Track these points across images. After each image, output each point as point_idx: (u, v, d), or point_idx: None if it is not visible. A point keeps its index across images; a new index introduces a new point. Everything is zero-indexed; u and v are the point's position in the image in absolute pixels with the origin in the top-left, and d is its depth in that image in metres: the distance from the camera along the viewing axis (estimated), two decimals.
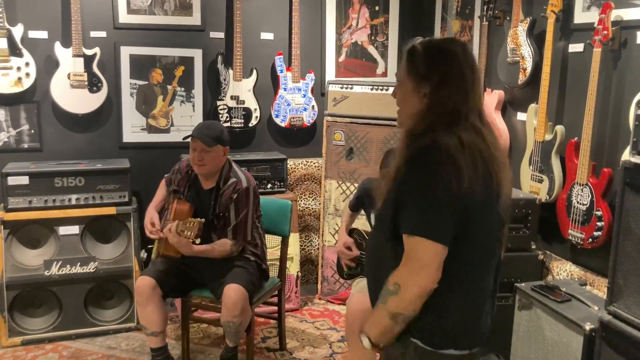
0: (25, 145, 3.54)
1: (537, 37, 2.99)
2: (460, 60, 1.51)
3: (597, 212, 2.51)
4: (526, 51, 2.99)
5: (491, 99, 3.30)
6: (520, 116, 3.19)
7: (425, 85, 1.51)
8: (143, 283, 2.73)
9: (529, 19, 2.99)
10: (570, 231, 2.68)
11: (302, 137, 4.09)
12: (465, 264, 1.49)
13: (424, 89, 1.51)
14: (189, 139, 2.80)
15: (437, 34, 4.03)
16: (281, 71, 3.87)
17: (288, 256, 3.32)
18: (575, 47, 2.79)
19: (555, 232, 2.82)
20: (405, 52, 1.58)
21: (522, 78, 3.03)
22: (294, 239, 3.63)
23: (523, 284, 2.57)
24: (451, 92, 1.49)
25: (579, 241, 2.62)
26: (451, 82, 1.50)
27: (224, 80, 3.76)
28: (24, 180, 3.18)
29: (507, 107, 3.32)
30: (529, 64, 2.98)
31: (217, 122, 3.26)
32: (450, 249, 1.44)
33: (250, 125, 3.84)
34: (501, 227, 1.57)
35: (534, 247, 2.91)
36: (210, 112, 3.80)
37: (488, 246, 1.53)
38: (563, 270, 2.83)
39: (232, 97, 3.78)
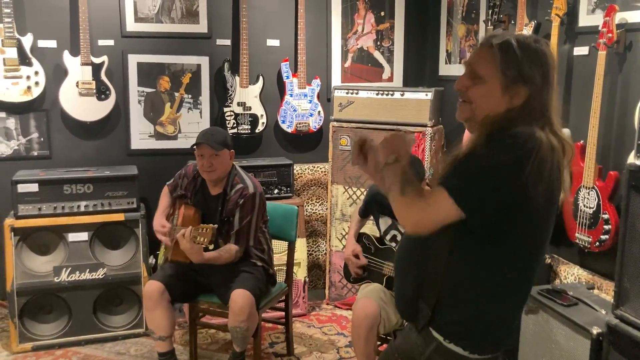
0: (35, 153, 3.59)
1: None
2: (554, 63, 1.49)
3: (604, 216, 2.50)
4: None
5: None
6: None
7: (523, 85, 1.44)
8: (151, 287, 2.75)
9: (533, 22, 2.99)
10: (577, 235, 2.67)
11: (309, 143, 4.10)
12: (513, 269, 1.48)
13: (520, 89, 1.44)
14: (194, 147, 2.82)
15: (443, 38, 4.04)
16: (287, 77, 3.89)
17: (295, 261, 3.33)
18: (580, 50, 2.79)
19: (562, 236, 2.81)
20: (496, 46, 1.47)
21: None
22: (300, 244, 3.64)
23: None
24: (549, 95, 1.46)
25: (586, 245, 2.61)
26: (549, 85, 1.46)
27: (231, 87, 3.78)
28: (34, 187, 3.22)
29: None
30: None
31: (219, 127, 3.29)
32: (502, 254, 1.42)
33: (256, 131, 3.86)
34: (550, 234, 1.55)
35: None
36: (217, 118, 3.83)
37: (538, 253, 1.52)
38: (570, 274, 2.82)
39: (238, 104, 3.80)
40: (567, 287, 2.55)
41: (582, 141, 2.65)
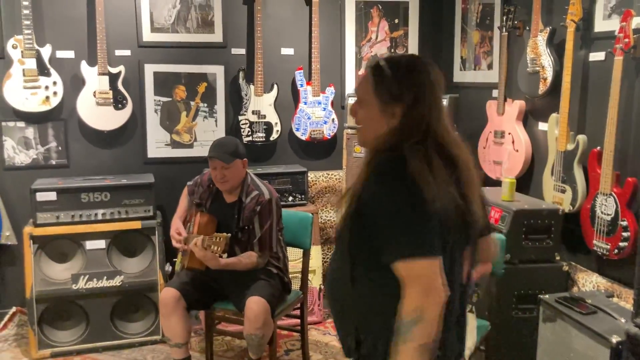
0: (53, 162, 3.64)
1: (557, 46, 2.97)
2: (430, 77, 1.48)
3: (622, 223, 2.48)
4: (546, 61, 2.98)
5: (512, 110, 3.28)
6: (542, 126, 3.17)
7: (397, 105, 1.46)
8: (167, 295, 2.76)
9: (548, 28, 2.98)
10: (595, 242, 2.64)
11: (323, 150, 4.11)
12: None
13: (395, 109, 1.46)
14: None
15: (457, 45, 4.03)
16: (301, 85, 3.91)
17: (310, 269, 3.33)
18: (596, 56, 2.77)
19: (580, 243, 2.78)
20: (369, 70, 1.51)
21: (542, 88, 3.01)
22: (315, 252, 3.64)
23: (547, 296, 2.53)
24: (425, 110, 1.46)
25: (605, 252, 2.58)
26: (424, 100, 1.46)
27: (246, 95, 3.81)
28: (52, 196, 3.26)
29: (529, 118, 3.30)
30: (549, 74, 2.96)
31: (230, 137, 3.31)
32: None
33: (271, 139, 3.88)
34: (466, 248, 1.53)
35: (558, 258, 2.87)
36: (232, 127, 3.86)
37: (450, 269, 1.46)
38: (589, 281, 2.79)
39: (253, 112, 3.83)
40: (586, 295, 2.53)
41: (599, 147, 2.62)
